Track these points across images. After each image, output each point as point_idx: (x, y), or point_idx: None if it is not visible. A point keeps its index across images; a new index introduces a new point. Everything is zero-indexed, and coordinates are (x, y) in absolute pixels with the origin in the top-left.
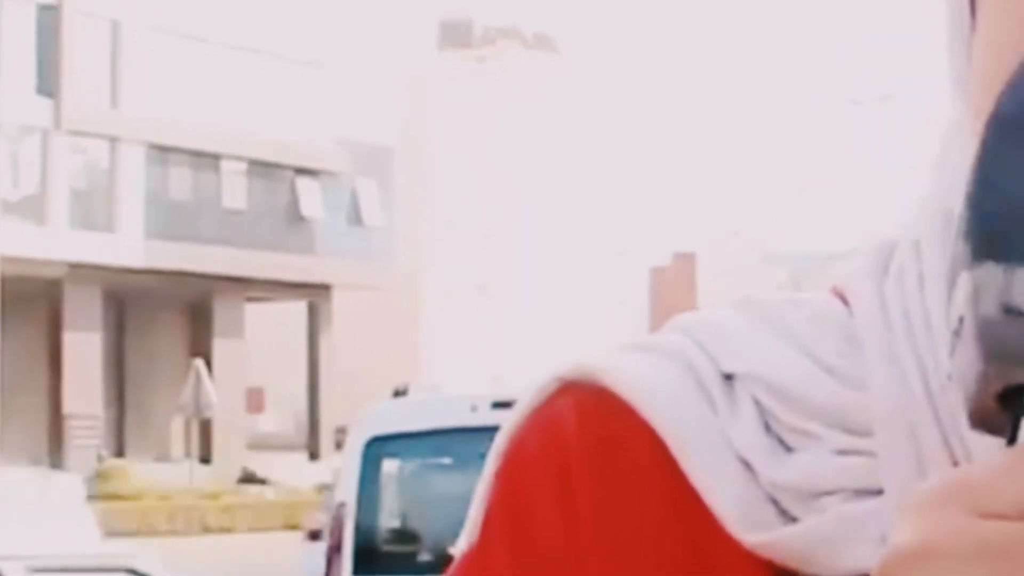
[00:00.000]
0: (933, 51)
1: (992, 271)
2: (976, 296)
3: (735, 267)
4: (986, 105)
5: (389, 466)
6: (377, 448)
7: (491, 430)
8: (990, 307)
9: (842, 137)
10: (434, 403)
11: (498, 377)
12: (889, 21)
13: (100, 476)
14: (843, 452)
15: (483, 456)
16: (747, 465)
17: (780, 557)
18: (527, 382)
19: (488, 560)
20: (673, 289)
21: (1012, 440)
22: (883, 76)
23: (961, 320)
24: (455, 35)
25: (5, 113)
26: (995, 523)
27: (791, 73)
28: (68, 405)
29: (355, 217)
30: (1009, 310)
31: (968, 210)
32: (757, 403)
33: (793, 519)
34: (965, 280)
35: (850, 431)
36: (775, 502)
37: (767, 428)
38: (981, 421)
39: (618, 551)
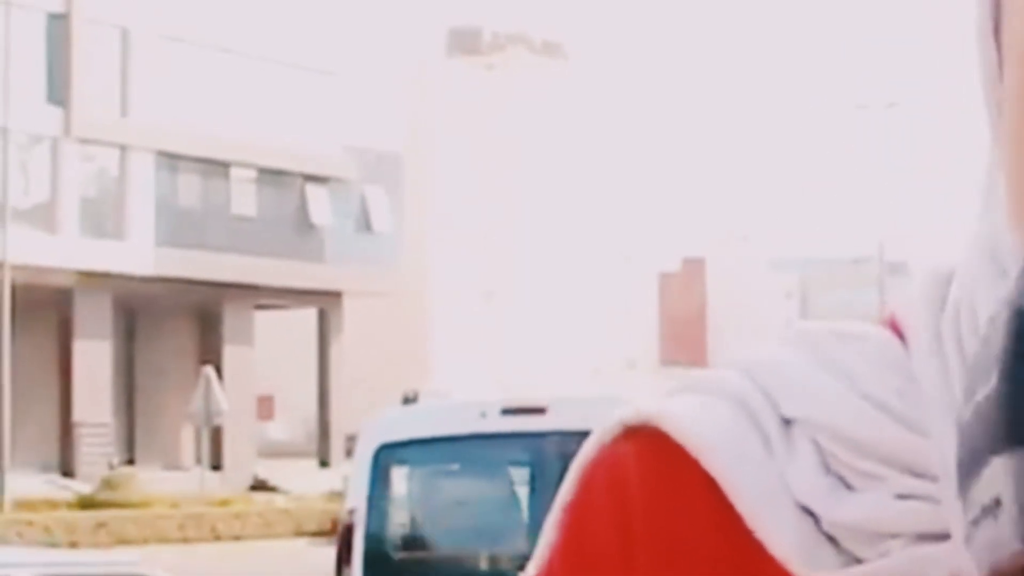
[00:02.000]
0: (939, 56)
1: None
2: (1017, 484)
3: (743, 272)
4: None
5: (399, 472)
6: (387, 455)
7: (500, 436)
8: None
9: (849, 142)
10: (444, 409)
11: (507, 383)
12: (895, 27)
13: (110, 483)
14: (905, 496)
15: (492, 462)
16: (805, 508)
17: None
18: (536, 388)
19: None
20: (681, 294)
21: None
22: (889, 81)
23: (997, 501)
24: (464, 42)
25: (15, 121)
26: None
27: (798, 79)
28: (78, 413)
29: (364, 224)
30: None
31: (1002, 395)
32: (816, 445)
33: (854, 559)
34: (1005, 464)
35: (914, 474)
36: (834, 542)
37: (827, 469)
38: None
39: None
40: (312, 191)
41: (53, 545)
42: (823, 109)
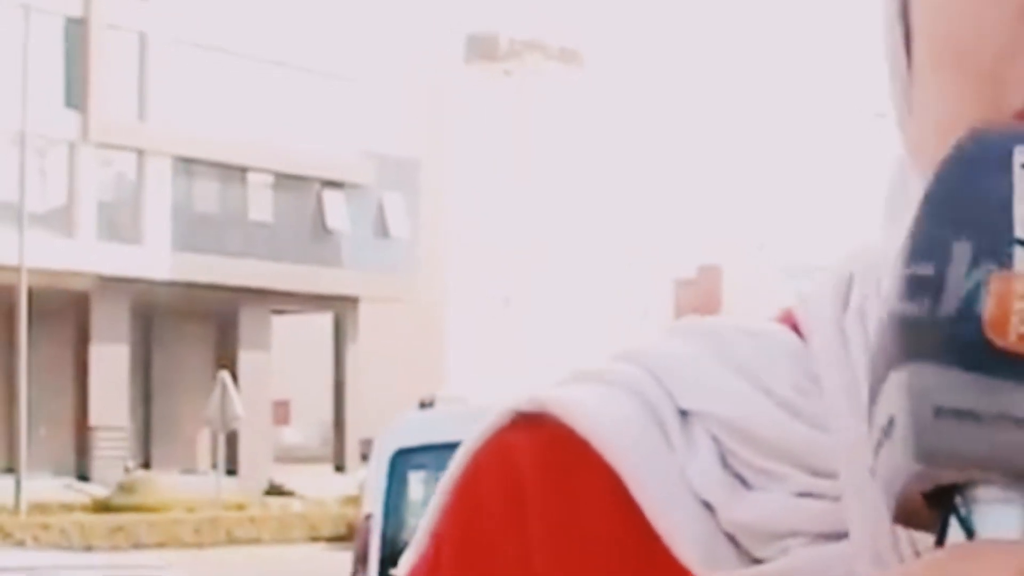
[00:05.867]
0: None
1: (925, 371)
2: (909, 397)
3: (760, 279)
4: (926, 152)
5: (416, 477)
6: (403, 460)
7: None
8: (923, 408)
9: (867, 150)
10: (460, 415)
11: (524, 388)
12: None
13: (126, 488)
14: (805, 494)
15: None
16: (706, 504)
17: None
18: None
19: None
20: (698, 301)
21: (940, 541)
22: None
23: (891, 419)
24: (481, 48)
25: (33, 125)
26: None
27: (815, 86)
28: (94, 416)
29: (381, 229)
30: (940, 411)
31: (897, 309)
32: (715, 440)
33: (752, 558)
34: (896, 379)
35: (813, 472)
36: (734, 541)
37: (725, 465)
38: (906, 518)
39: None
40: (329, 196)
41: (69, 549)
42: (841, 118)
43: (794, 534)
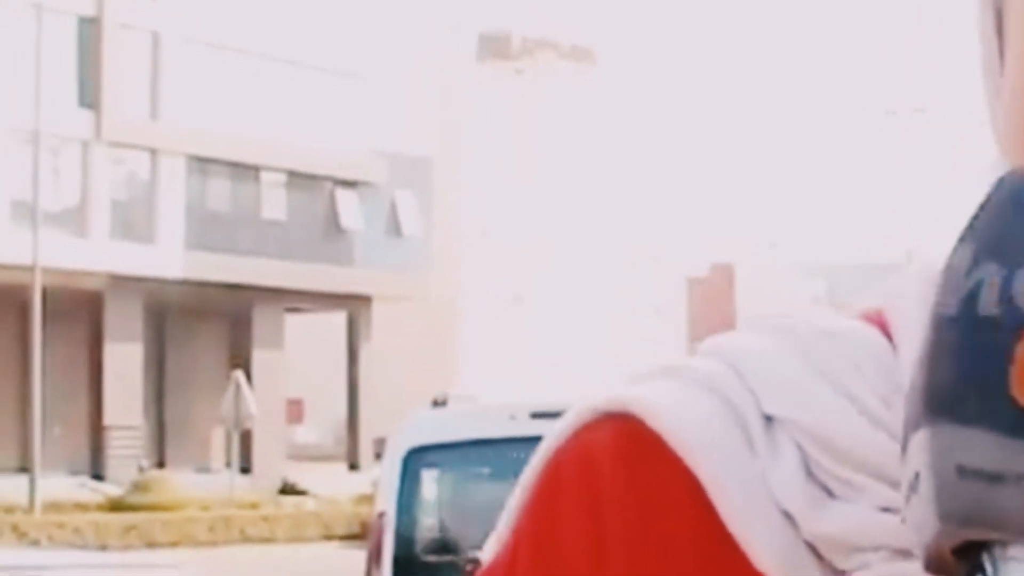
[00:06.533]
0: (967, 61)
1: (948, 431)
2: (932, 455)
3: (773, 278)
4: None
5: (428, 476)
6: (416, 458)
7: (530, 440)
8: (946, 467)
9: (878, 148)
10: (473, 413)
11: (536, 387)
12: (923, 32)
13: (140, 486)
14: (888, 509)
15: (522, 466)
16: (786, 513)
17: None
18: (564, 393)
19: None
20: (710, 300)
21: None
22: (918, 86)
23: (917, 475)
24: (493, 47)
25: (46, 125)
26: None
27: (827, 84)
28: (109, 415)
29: (394, 228)
30: (963, 471)
31: (922, 370)
32: (800, 448)
33: (833, 570)
34: (920, 437)
35: (893, 484)
36: (815, 551)
37: (809, 474)
38: (937, 568)
39: None
40: (342, 195)
41: (83, 547)
42: (853, 115)
43: (876, 548)
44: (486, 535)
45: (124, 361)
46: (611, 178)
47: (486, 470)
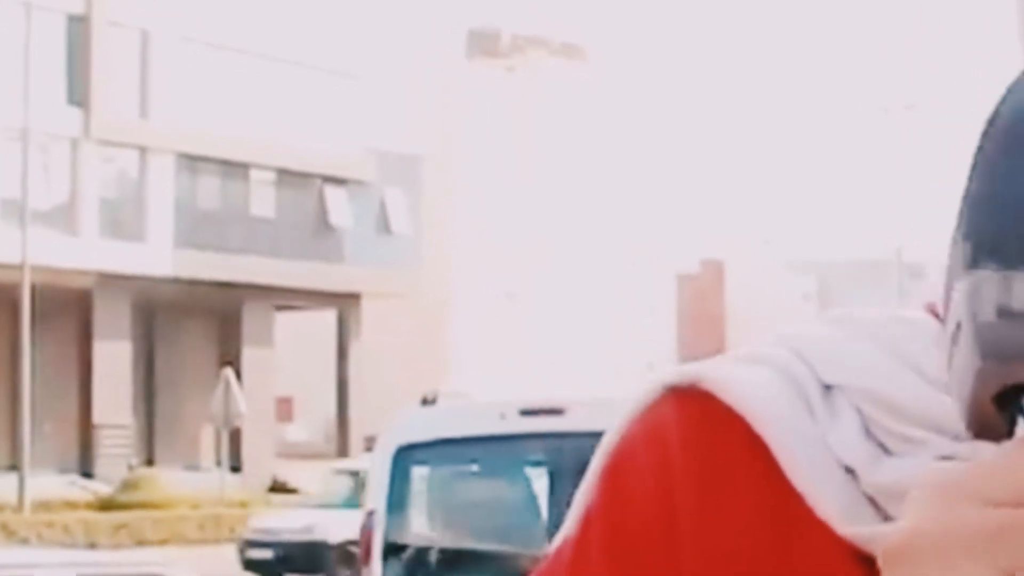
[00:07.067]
0: (959, 58)
1: (989, 274)
2: (973, 298)
3: (762, 274)
4: None
5: (418, 474)
6: (406, 455)
7: (519, 437)
8: (987, 310)
9: (870, 145)
10: (463, 411)
11: (526, 384)
12: (916, 29)
13: (130, 485)
14: (947, 458)
15: (511, 463)
16: (847, 469)
17: (878, 550)
18: (555, 390)
19: (585, 558)
20: (701, 296)
21: (1010, 434)
22: (909, 83)
23: (959, 325)
24: (484, 44)
25: (35, 123)
26: (997, 510)
27: (819, 81)
28: (98, 414)
29: (383, 226)
30: (1005, 313)
31: (966, 213)
32: (858, 411)
33: (888, 517)
34: (962, 284)
35: (954, 437)
36: (875, 503)
37: (867, 433)
38: (981, 426)
39: (716, 558)
40: (331, 193)
41: (73, 546)
42: (843, 112)
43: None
44: (476, 532)
45: (114, 359)
46: (602, 175)
47: (476, 467)
